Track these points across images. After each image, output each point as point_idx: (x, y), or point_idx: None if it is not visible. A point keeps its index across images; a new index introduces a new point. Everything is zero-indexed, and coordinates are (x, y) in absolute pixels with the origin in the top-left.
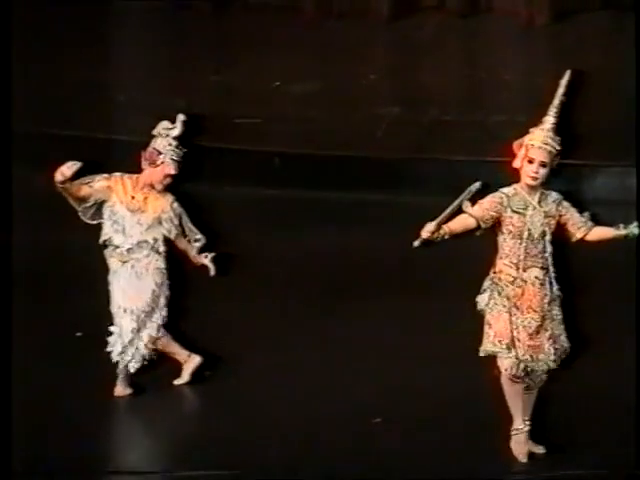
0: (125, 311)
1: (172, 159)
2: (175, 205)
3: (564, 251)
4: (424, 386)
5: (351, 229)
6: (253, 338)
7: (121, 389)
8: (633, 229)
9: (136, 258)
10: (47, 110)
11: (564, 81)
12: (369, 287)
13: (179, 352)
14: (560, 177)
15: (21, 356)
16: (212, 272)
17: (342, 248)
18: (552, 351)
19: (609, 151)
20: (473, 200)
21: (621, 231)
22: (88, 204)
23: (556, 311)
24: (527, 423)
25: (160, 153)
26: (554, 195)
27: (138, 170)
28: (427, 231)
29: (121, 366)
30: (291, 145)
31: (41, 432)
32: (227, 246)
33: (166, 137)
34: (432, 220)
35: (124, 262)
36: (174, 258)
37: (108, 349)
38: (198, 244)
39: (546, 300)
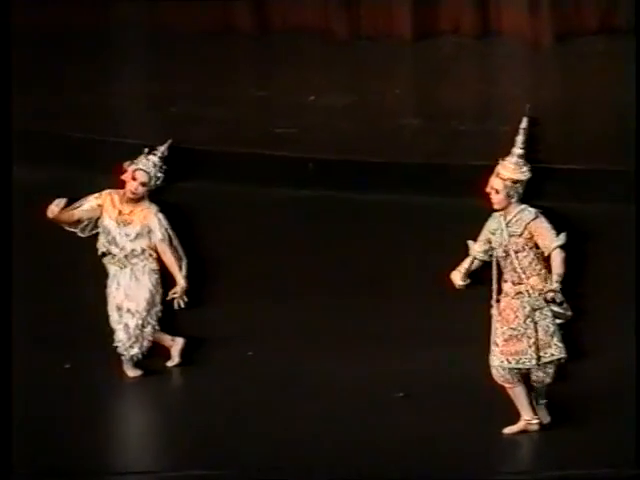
0: (128, 311)
1: (140, 169)
2: (160, 216)
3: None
4: (433, 374)
5: (377, 227)
6: (263, 335)
7: (131, 372)
8: (550, 296)
9: (134, 263)
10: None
11: (524, 122)
12: (390, 281)
13: (164, 338)
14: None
15: (20, 355)
16: (176, 307)
17: (370, 244)
18: (534, 356)
19: (610, 157)
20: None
21: (553, 284)
22: (84, 224)
23: (544, 321)
24: (536, 419)
25: (132, 164)
26: (526, 216)
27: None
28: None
29: (127, 357)
30: (324, 152)
31: (42, 432)
32: (263, 243)
33: (149, 154)
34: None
35: (123, 267)
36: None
37: (115, 344)
38: (182, 263)
39: (524, 311)
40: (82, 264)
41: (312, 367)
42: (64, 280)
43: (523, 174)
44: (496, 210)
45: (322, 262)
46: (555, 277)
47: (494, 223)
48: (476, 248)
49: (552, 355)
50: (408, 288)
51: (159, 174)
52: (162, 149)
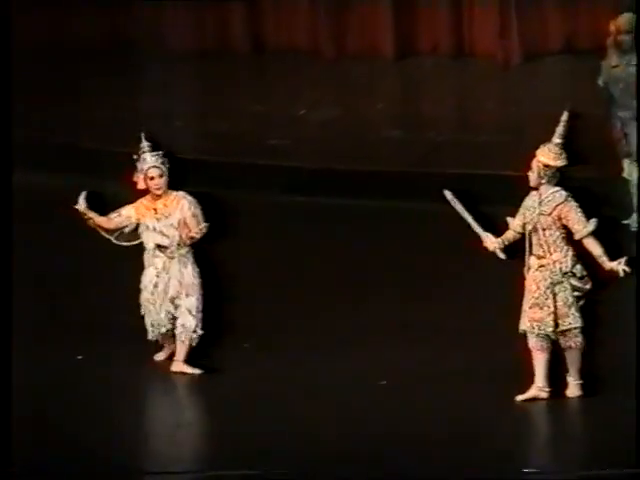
0: (187, 295)
1: (150, 168)
2: (189, 198)
3: None
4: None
5: (362, 230)
6: (270, 335)
7: (190, 369)
8: (621, 268)
9: (181, 253)
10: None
11: (565, 115)
12: (375, 280)
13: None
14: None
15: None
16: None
17: (355, 246)
18: (551, 324)
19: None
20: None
21: (607, 264)
22: (126, 231)
23: (563, 293)
24: (548, 388)
25: (137, 173)
26: (558, 197)
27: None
28: (494, 246)
29: (192, 342)
30: (314, 161)
31: (45, 430)
32: (259, 246)
33: (139, 156)
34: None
35: (172, 258)
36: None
37: (179, 332)
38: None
39: (545, 283)
40: (87, 263)
41: (301, 366)
42: (69, 278)
43: (554, 161)
44: (533, 188)
45: (312, 262)
46: (603, 258)
47: (530, 201)
48: (514, 222)
49: (570, 324)
50: (393, 287)
51: (163, 159)
52: (144, 145)
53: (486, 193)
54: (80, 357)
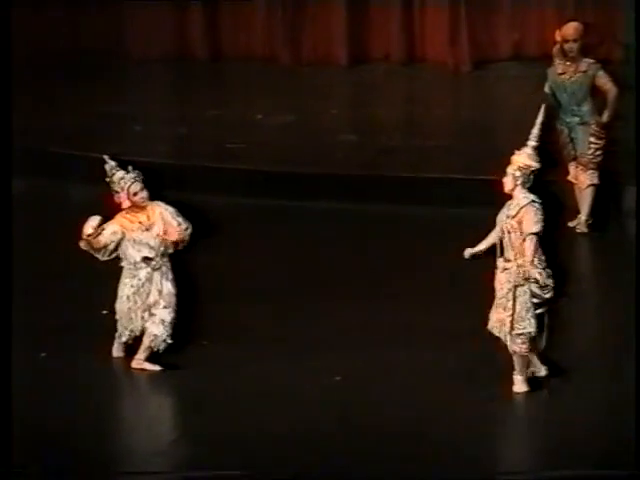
0: (164, 307)
1: (132, 183)
2: (170, 209)
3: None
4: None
5: (316, 232)
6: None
7: (151, 366)
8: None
9: (164, 262)
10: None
11: (540, 115)
12: (326, 281)
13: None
14: None
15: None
16: None
17: (309, 248)
18: (509, 326)
19: None
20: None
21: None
22: (110, 247)
23: (523, 297)
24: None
25: (119, 193)
26: (521, 201)
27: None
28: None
29: (161, 349)
30: (270, 165)
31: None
32: (217, 247)
33: (112, 177)
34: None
35: (157, 269)
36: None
37: (151, 340)
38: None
39: (508, 285)
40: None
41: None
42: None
43: (531, 162)
44: (508, 195)
45: (267, 263)
46: (527, 261)
47: (504, 207)
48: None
49: (524, 328)
50: (349, 286)
51: (137, 171)
52: (112, 164)
53: (436, 195)
54: (44, 354)
